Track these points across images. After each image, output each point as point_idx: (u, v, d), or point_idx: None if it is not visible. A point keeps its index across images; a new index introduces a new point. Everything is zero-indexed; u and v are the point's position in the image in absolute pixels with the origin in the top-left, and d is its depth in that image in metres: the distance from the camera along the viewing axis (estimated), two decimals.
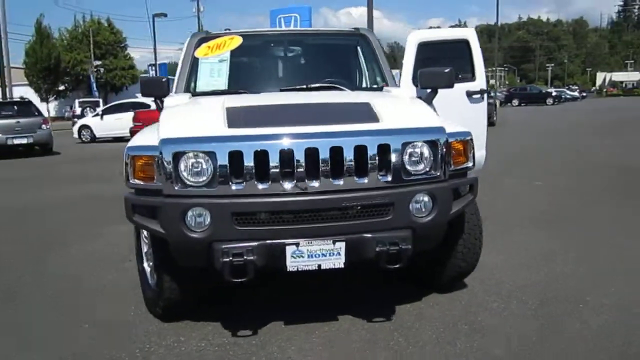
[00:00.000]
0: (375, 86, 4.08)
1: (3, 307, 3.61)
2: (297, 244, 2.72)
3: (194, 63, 3.98)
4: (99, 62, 42.67)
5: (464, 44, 4.71)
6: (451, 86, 3.86)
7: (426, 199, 2.85)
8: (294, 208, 2.69)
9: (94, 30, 43.74)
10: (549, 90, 52.29)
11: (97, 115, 19.69)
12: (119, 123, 18.04)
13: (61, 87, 42.50)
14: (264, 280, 3.35)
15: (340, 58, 4.29)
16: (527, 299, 3.40)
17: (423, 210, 2.85)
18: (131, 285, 3.85)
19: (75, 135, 19.29)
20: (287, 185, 2.67)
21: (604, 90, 77.36)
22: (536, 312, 3.21)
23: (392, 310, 3.28)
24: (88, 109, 26.64)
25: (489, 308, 3.29)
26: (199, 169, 2.68)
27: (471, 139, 3.06)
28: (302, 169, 2.67)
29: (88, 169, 11.68)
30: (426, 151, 2.83)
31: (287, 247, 2.71)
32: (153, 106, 18.23)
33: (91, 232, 5.53)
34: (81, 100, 30.85)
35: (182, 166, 2.68)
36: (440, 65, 4.14)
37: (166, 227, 2.71)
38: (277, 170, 2.66)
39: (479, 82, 4.80)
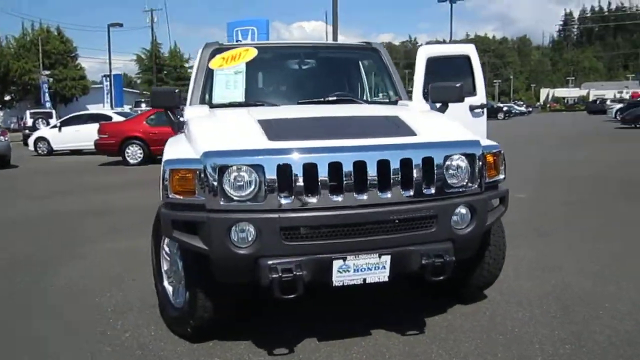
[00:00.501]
0: (388, 100, 4.12)
1: None
2: (344, 258, 2.69)
3: (209, 74, 3.90)
4: (47, 72, 41.09)
5: (466, 59, 4.83)
6: (462, 101, 3.95)
7: (464, 211, 2.89)
8: (344, 222, 2.66)
9: (43, 38, 42.16)
10: (500, 105, 54.29)
11: (54, 127, 18.90)
12: (78, 135, 17.40)
13: (7, 97, 40.67)
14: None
15: (353, 71, 4.32)
16: (548, 307, 3.49)
17: (462, 222, 2.89)
18: (143, 304, 3.70)
19: (31, 147, 18.45)
20: (337, 199, 2.65)
21: (548, 105, 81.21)
22: (562, 320, 3.30)
23: (422, 322, 3.29)
24: (40, 120, 25.56)
25: (515, 318, 3.35)
26: (244, 183, 2.62)
27: (502, 152, 3.13)
28: (350, 182, 2.65)
29: (51, 182, 11.18)
30: (465, 164, 2.88)
31: (335, 262, 2.68)
32: (116, 118, 17.88)
33: (75, 253, 5.26)
34: (32, 111, 29.56)
35: (226, 180, 2.62)
36: (445, 79, 4.25)
37: (210, 243, 2.62)
38: (327, 183, 2.64)
39: (480, 96, 4.94)
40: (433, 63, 4.63)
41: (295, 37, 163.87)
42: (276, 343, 3.05)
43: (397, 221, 2.73)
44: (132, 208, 7.41)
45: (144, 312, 3.59)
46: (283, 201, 2.62)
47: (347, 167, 2.65)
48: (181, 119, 3.86)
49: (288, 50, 4.32)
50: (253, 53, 3.95)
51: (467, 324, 3.27)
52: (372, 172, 2.68)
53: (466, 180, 2.89)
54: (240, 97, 3.89)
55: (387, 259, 2.74)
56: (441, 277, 2.82)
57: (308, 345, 3.04)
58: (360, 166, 2.66)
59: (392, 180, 2.71)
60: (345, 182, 2.65)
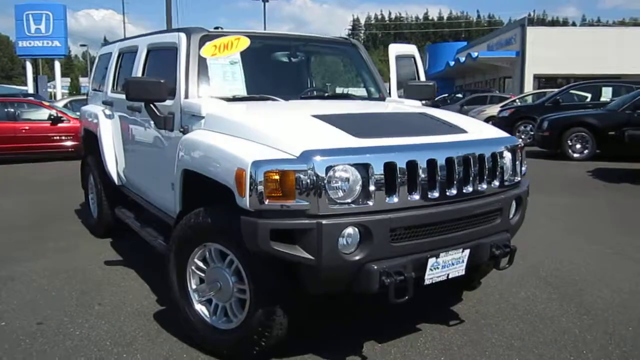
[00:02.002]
0: (376, 96, 4.13)
1: None
2: (437, 255, 2.67)
3: (202, 63, 3.44)
4: None
5: (412, 59, 5.08)
6: (434, 99, 4.19)
7: (514, 202, 3.10)
8: (442, 218, 2.64)
9: None
10: None
11: None
12: None
13: None
14: None
15: (339, 66, 4.22)
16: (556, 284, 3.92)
17: (513, 212, 3.10)
18: (144, 332, 3.15)
19: None
20: (433, 195, 2.62)
21: None
22: (571, 298, 3.74)
23: (451, 314, 3.42)
24: None
25: (521, 297, 3.70)
26: (350, 184, 2.43)
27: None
28: (443, 179, 2.65)
29: None
30: (511, 158, 3.08)
31: (430, 260, 2.65)
32: None
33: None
34: None
35: (332, 181, 2.39)
36: (399, 79, 4.46)
37: (319, 251, 2.36)
38: (425, 180, 2.59)
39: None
40: (397, 62, 4.75)
41: (83, 26, 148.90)
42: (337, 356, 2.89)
43: (478, 215, 2.81)
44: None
45: (155, 341, 3.04)
46: (389, 200, 2.49)
47: (441, 164, 2.64)
48: (166, 115, 3.36)
49: (278, 42, 4.01)
50: (245, 42, 3.59)
51: (491, 308, 3.50)
52: (458, 168, 2.71)
53: (513, 174, 3.10)
54: (241, 89, 3.51)
55: (467, 253, 2.79)
56: (507, 267, 2.99)
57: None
58: (451, 162, 2.68)
59: (472, 176, 2.78)
60: (439, 179, 2.64)
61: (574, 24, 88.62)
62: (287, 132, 2.64)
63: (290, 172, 2.36)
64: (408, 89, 4.20)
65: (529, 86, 29.75)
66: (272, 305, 2.59)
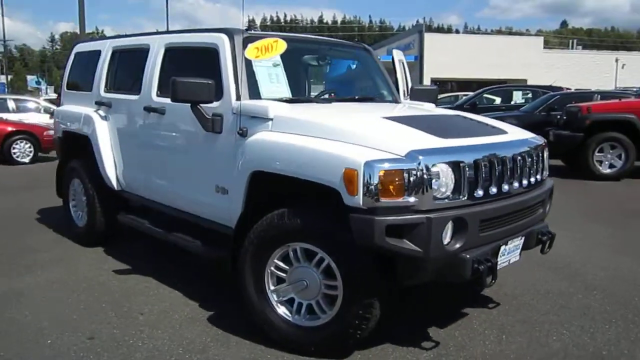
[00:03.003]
0: (389, 99, 4.35)
1: None
2: (506, 243, 2.96)
3: (248, 65, 3.44)
4: None
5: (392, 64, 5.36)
6: (435, 102, 4.53)
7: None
8: (515, 209, 2.93)
9: None
10: None
11: None
12: None
13: None
14: None
15: (359, 70, 4.36)
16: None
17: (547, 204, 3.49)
18: (212, 340, 3.11)
19: None
20: (505, 189, 2.89)
21: None
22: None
23: (483, 297, 3.74)
24: None
25: (536, 279, 4.12)
26: (447, 180, 2.64)
27: None
28: (511, 174, 2.94)
29: None
30: (543, 155, 3.47)
31: (501, 247, 2.93)
32: None
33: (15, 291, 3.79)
34: None
35: (434, 178, 2.59)
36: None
37: (427, 244, 2.54)
38: (502, 175, 2.86)
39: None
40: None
41: None
42: None
43: (535, 205, 3.15)
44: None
45: (229, 346, 3.02)
46: (477, 194, 2.73)
47: (510, 161, 2.94)
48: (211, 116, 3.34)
49: (308, 45, 4.08)
50: (283, 45, 3.62)
51: (516, 291, 3.88)
52: (521, 164, 3.02)
53: (545, 169, 3.48)
54: (285, 92, 3.55)
55: (522, 240, 3.12)
56: (548, 251, 3.36)
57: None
58: (516, 159, 2.98)
59: (529, 171, 3.10)
60: (508, 174, 2.92)
61: (457, 31, 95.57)
62: (384, 133, 2.79)
63: (401, 171, 2.51)
64: (413, 93, 4.48)
65: None
66: (370, 298, 2.72)
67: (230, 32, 3.52)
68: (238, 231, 3.16)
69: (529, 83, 24.41)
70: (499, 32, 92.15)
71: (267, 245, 2.93)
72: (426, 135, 2.81)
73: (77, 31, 15.45)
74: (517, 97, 14.57)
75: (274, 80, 3.57)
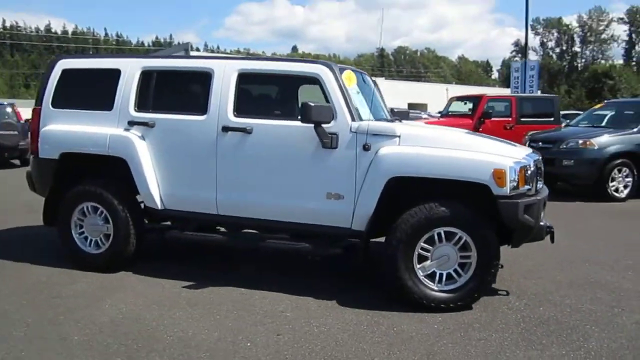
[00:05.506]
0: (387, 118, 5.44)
1: None
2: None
3: (347, 92, 4.19)
4: None
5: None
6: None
7: None
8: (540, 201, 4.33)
9: None
10: None
11: None
12: None
13: None
14: None
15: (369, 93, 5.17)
16: None
17: None
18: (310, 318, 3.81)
19: None
20: (532, 187, 4.22)
21: None
22: None
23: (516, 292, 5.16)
24: None
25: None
26: (531, 176, 3.94)
27: None
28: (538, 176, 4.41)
29: None
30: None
31: None
32: None
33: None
34: None
35: (530, 174, 3.91)
36: None
37: (537, 217, 3.86)
38: (532, 177, 4.09)
39: None
40: None
41: None
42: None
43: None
44: None
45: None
46: (522, 189, 3.93)
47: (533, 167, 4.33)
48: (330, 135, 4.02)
49: (358, 74, 4.80)
50: (354, 76, 4.50)
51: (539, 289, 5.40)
52: (540, 170, 4.47)
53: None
54: (367, 114, 4.37)
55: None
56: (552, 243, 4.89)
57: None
58: (539, 167, 4.43)
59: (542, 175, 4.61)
60: (537, 176, 4.36)
61: (197, 49, 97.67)
62: (494, 145, 4.01)
63: (526, 167, 3.80)
64: (392, 114, 5.70)
65: None
66: (496, 260, 3.87)
67: (329, 65, 4.24)
68: (372, 227, 3.93)
69: None
70: (238, 52, 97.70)
71: (417, 232, 3.80)
72: (511, 145, 4.13)
73: None
74: None
75: (362, 104, 4.39)
